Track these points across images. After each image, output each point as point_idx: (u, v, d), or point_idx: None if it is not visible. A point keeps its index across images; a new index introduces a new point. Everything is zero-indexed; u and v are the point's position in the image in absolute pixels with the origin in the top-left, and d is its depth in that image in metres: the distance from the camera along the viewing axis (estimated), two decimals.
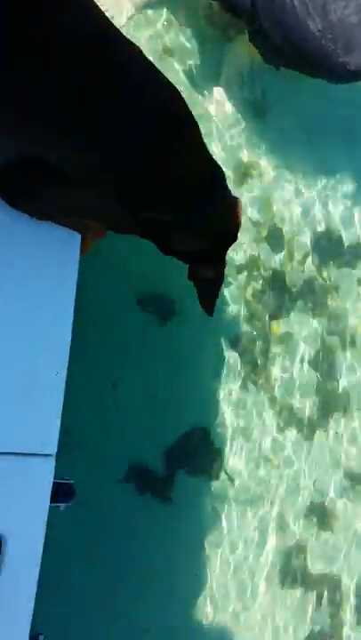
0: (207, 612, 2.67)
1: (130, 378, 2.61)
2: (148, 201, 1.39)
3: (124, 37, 1.28)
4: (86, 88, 1.20)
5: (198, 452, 2.78)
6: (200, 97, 2.80)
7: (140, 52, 1.31)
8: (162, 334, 2.70)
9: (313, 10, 2.25)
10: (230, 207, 1.56)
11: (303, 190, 3.01)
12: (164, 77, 1.37)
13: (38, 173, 1.32)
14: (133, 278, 2.61)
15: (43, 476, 1.40)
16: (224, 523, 2.77)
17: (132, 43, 1.30)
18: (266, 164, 2.94)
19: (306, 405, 2.95)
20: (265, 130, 2.92)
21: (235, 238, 1.61)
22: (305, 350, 2.97)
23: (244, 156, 2.90)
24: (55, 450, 1.42)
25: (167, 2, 2.75)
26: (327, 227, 3.03)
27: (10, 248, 1.39)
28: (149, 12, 2.71)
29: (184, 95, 1.40)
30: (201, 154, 1.48)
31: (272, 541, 2.84)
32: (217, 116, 2.83)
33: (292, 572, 2.84)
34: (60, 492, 1.44)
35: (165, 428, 2.70)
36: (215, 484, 2.78)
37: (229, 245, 1.61)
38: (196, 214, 1.44)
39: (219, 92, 2.85)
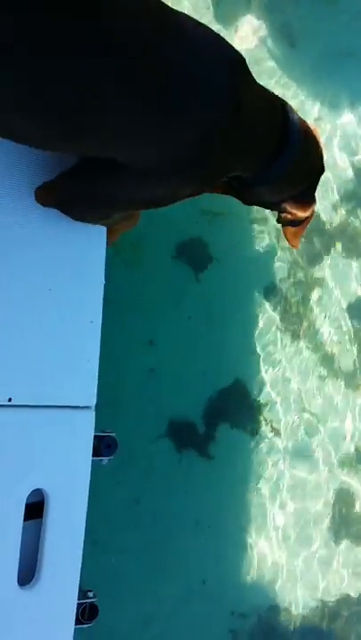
0: (259, 562, 2.64)
1: (166, 331, 2.53)
2: (235, 164, 1.29)
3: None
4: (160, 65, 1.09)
5: (239, 405, 2.70)
6: (229, 27, 2.65)
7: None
8: (197, 284, 2.61)
9: None
10: (308, 137, 1.40)
11: (340, 125, 2.84)
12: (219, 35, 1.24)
13: (108, 175, 1.21)
14: (164, 227, 2.52)
15: (84, 428, 1.32)
16: (268, 475, 2.70)
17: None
18: (299, 98, 2.78)
19: (348, 353, 2.84)
20: (296, 60, 2.74)
21: (323, 170, 1.47)
22: (344, 296, 2.85)
23: (276, 88, 2.74)
24: (95, 402, 1.33)
25: None
26: None
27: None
28: None
29: (212, 26, 1.26)
30: (263, 93, 1.34)
31: (320, 491, 2.77)
32: (247, 47, 2.66)
33: (342, 520, 2.78)
34: (103, 445, 1.37)
35: (204, 382, 2.62)
36: (257, 438, 2.70)
37: (319, 179, 1.47)
38: (279, 165, 1.32)
39: (248, 20, 2.69)
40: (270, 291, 2.76)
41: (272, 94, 1.38)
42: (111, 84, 1.05)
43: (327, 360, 2.81)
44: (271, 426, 2.71)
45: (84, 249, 1.35)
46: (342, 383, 2.82)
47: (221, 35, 1.25)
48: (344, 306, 2.84)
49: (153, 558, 2.44)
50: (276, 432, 2.71)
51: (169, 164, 1.18)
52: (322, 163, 1.47)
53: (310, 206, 1.50)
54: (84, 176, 1.23)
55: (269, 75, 2.73)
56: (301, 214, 1.50)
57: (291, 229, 1.58)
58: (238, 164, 1.30)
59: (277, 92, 2.68)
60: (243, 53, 1.24)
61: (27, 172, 1.29)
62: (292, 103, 2.60)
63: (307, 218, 1.54)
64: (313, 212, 1.56)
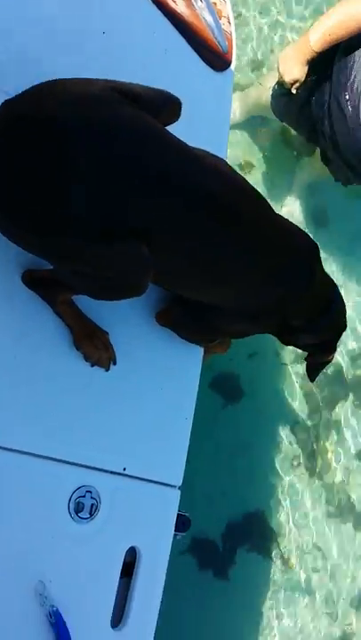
0: None
1: (195, 453, 2.77)
2: (299, 315, 1.78)
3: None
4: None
5: (258, 533, 2.90)
6: (273, 205, 3.14)
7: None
8: (226, 413, 2.90)
9: None
10: (340, 310, 1.92)
11: None
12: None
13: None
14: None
15: (171, 503, 1.62)
16: (276, 608, 2.85)
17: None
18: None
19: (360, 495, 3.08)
20: (327, 240, 3.18)
21: (345, 328, 1.96)
22: (359, 442, 3.14)
23: None
24: (180, 482, 1.64)
25: (250, 124, 3.16)
26: None
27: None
28: (235, 131, 3.14)
29: None
30: (324, 274, 1.86)
31: (323, 630, 2.90)
32: None
33: None
34: (179, 522, 1.64)
35: (227, 504, 2.84)
36: (271, 569, 2.88)
37: (341, 335, 1.95)
38: (322, 321, 1.82)
39: (289, 202, 3.20)
40: (292, 428, 3.05)
41: (327, 275, 1.90)
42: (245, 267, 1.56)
43: (340, 499, 3.04)
44: (284, 557, 2.89)
45: (185, 361, 1.74)
46: (353, 523, 3.04)
47: None
48: (354, 451, 3.11)
49: None
50: (288, 563, 2.89)
51: (262, 311, 1.68)
52: (345, 325, 1.96)
53: (332, 353, 1.98)
54: (195, 311, 1.68)
55: None
56: (320, 357, 1.98)
57: (313, 367, 2.04)
58: (298, 319, 1.79)
59: None
60: None
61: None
62: None
63: (328, 361, 2.02)
64: (332, 357, 2.03)
